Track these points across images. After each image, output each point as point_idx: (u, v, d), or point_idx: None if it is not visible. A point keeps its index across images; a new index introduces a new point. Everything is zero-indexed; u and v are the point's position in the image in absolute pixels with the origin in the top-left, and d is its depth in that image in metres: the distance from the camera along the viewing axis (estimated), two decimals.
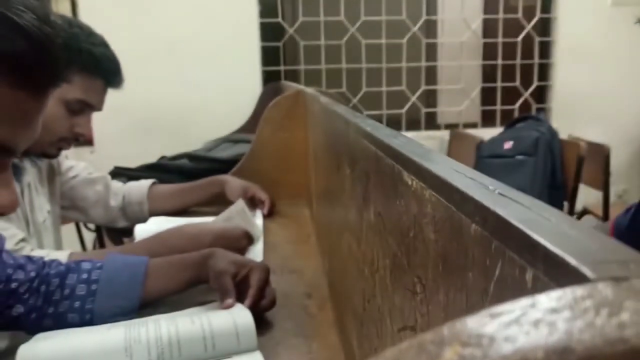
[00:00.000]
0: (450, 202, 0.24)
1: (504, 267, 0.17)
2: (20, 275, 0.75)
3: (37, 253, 0.89)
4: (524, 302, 0.11)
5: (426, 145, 0.35)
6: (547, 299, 0.11)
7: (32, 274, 0.76)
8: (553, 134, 2.36)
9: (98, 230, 2.10)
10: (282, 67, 2.89)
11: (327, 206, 0.90)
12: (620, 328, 0.10)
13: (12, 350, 0.97)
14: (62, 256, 0.87)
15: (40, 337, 0.71)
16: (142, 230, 1.19)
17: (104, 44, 1.05)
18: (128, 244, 0.99)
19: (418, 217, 0.29)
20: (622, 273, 0.13)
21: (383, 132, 0.42)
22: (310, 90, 1.34)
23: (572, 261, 0.14)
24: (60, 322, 0.77)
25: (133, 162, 1.89)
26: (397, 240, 0.34)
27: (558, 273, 0.14)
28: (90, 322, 0.78)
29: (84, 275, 0.80)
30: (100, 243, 2.09)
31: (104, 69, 1.03)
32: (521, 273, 0.16)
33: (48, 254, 0.88)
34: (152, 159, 1.96)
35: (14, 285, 0.74)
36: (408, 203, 0.31)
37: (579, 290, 0.11)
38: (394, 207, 0.35)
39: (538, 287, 0.15)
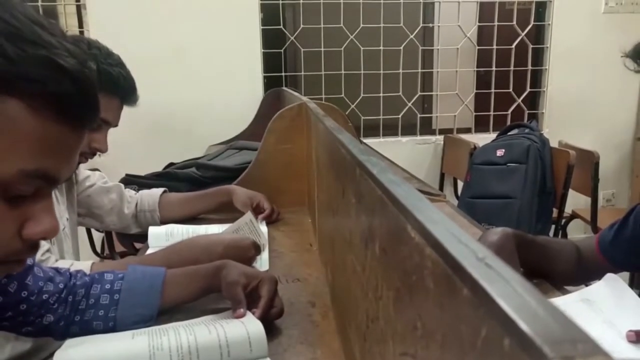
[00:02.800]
0: (446, 264, 0.30)
1: (488, 330, 0.24)
2: (50, 287, 0.81)
3: (61, 263, 0.95)
4: None
5: (425, 198, 0.42)
6: None
7: (61, 285, 0.83)
8: (543, 142, 2.45)
9: (107, 231, 2.17)
10: (283, 73, 2.96)
11: (331, 221, 0.96)
12: None
13: (35, 351, 1.04)
14: (86, 267, 0.94)
15: (71, 343, 0.77)
16: (155, 233, 1.27)
17: (120, 64, 1.11)
18: (146, 255, 1.06)
19: (420, 267, 0.35)
20: (571, 353, 0.18)
21: (387, 178, 0.48)
22: (313, 105, 1.41)
23: (537, 340, 0.20)
24: (86, 329, 0.84)
25: (140, 164, 1.96)
26: (401, 278, 0.41)
27: (526, 346, 0.20)
28: (113, 329, 0.84)
29: (107, 286, 0.86)
30: (109, 243, 2.16)
31: (120, 88, 1.10)
32: (500, 338, 0.22)
33: (72, 264, 0.95)
34: (158, 161, 2.03)
35: (45, 296, 0.80)
36: (411, 252, 0.38)
37: None
38: (398, 250, 0.42)
39: (513, 353, 0.21)
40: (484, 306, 0.24)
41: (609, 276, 0.94)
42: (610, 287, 0.92)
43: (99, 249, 2.53)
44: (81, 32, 3.08)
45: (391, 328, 0.46)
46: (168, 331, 0.77)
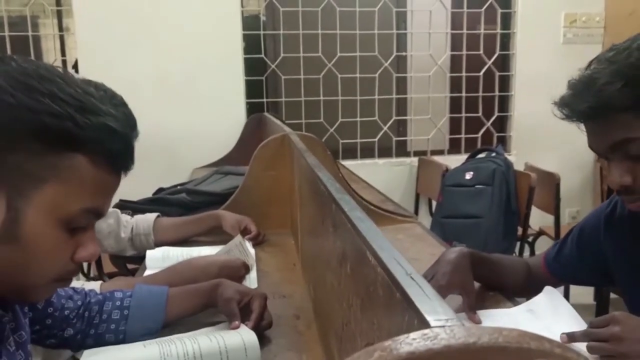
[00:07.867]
0: (389, 278, 0.45)
1: (410, 316, 0.39)
2: (71, 304, 0.94)
3: (74, 283, 1.08)
4: (405, 335, 0.32)
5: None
6: (414, 334, 0.32)
7: (79, 302, 0.96)
8: (508, 165, 2.64)
9: None
10: (264, 99, 3.13)
11: (312, 244, 1.11)
12: (435, 345, 0.31)
13: None
14: (96, 286, 1.07)
15: (89, 353, 0.90)
16: (152, 256, 1.40)
17: (123, 104, 1.25)
18: (150, 275, 1.19)
19: (374, 281, 0.50)
20: (443, 324, 0.34)
21: (355, 215, 0.64)
22: (295, 137, 1.56)
23: (429, 318, 0.35)
24: (99, 342, 0.96)
25: (128, 188, 2.06)
26: (364, 289, 0.56)
27: (424, 322, 0.36)
28: (123, 341, 0.97)
29: (118, 303, 1.00)
30: (97, 264, 2.26)
31: None
32: (412, 319, 0.38)
33: (83, 284, 1.08)
34: (146, 184, 2.15)
35: (66, 312, 0.93)
36: (369, 271, 0.53)
37: (425, 331, 0.33)
38: (362, 269, 0.57)
39: (418, 327, 0.37)
40: (406, 303, 0.39)
41: (548, 289, 1.10)
42: (548, 298, 1.08)
43: (85, 269, 2.61)
44: (64, 60, 3.21)
45: (359, 327, 0.60)
46: (174, 341, 0.91)
